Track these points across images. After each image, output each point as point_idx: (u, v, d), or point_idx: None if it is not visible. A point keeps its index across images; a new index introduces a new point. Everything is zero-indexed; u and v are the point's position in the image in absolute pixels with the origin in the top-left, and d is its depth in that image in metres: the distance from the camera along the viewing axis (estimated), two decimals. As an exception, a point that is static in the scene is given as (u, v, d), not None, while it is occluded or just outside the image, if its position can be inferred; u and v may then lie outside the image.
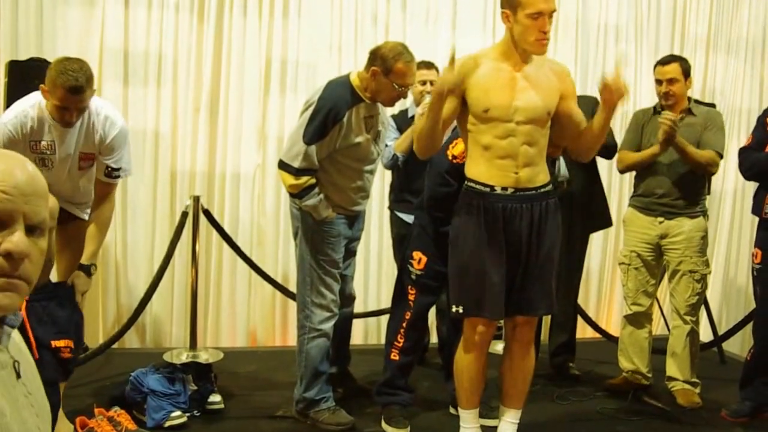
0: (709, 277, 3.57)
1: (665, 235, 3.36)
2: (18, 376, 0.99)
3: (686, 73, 3.35)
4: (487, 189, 2.55)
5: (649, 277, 3.44)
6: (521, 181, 2.54)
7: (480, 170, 2.57)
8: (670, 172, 3.33)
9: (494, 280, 2.55)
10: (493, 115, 2.51)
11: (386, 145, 3.47)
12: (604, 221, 3.82)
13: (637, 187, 3.49)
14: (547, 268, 2.62)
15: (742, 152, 3.22)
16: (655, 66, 3.43)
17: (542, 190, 2.60)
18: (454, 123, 2.76)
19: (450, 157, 2.91)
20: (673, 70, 3.31)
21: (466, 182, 2.63)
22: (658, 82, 3.37)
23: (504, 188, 2.54)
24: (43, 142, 2.66)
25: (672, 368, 3.42)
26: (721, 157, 3.34)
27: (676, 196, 3.33)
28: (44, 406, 1.06)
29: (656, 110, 3.43)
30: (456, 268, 2.65)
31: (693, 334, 3.38)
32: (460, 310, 2.62)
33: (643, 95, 4.70)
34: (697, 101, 3.51)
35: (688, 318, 3.36)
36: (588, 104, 3.68)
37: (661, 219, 3.37)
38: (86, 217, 2.90)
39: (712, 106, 3.62)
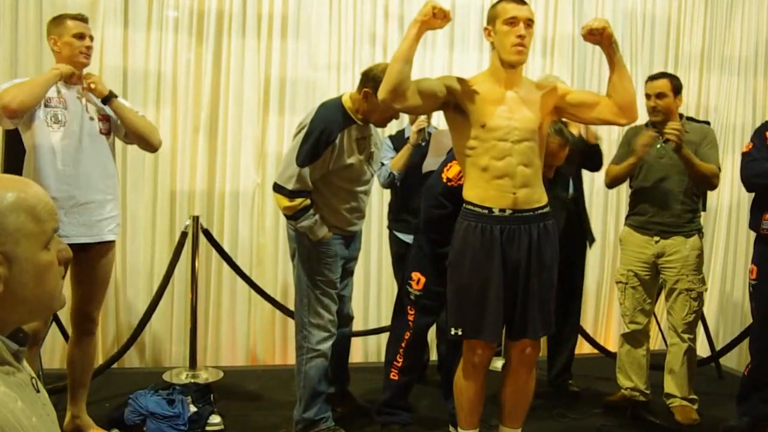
0: (706, 294, 3.58)
1: (661, 254, 3.39)
2: (37, 391, 1.07)
3: (676, 89, 3.36)
4: (485, 211, 2.57)
5: (645, 295, 3.46)
6: (519, 202, 2.56)
7: (478, 192, 2.59)
8: (664, 191, 3.36)
9: (493, 302, 2.56)
10: (489, 133, 2.53)
11: (382, 164, 3.50)
12: (592, 237, 3.86)
13: (633, 206, 3.51)
14: (547, 290, 2.63)
15: (746, 158, 3.20)
16: (646, 81, 3.45)
17: (540, 211, 2.61)
18: (450, 146, 2.78)
19: (444, 180, 2.94)
20: (663, 85, 3.34)
21: (464, 205, 2.64)
22: (647, 96, 3.38)
23: (502, 210, 2.56)
24: (54, 98, 2.73)
25: (670, 385, 3.43)
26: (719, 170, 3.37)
27: (671, 215, 3.36)
28: (53, 412, 1.13)
29: (647, 126, 3.44)
30: (455, 290, 2.66)
31: (690, 351, 3.39)
32: (459, 333, 2.63)
33: (639, 113, 4.73)
34: (689, 118, 3.52)
35: (685, 336, 3.38)
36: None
37: (657, 238, 3.39)
38: (109, 236, 2.85)
39: (707, 123, 3.65)
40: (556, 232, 2.67)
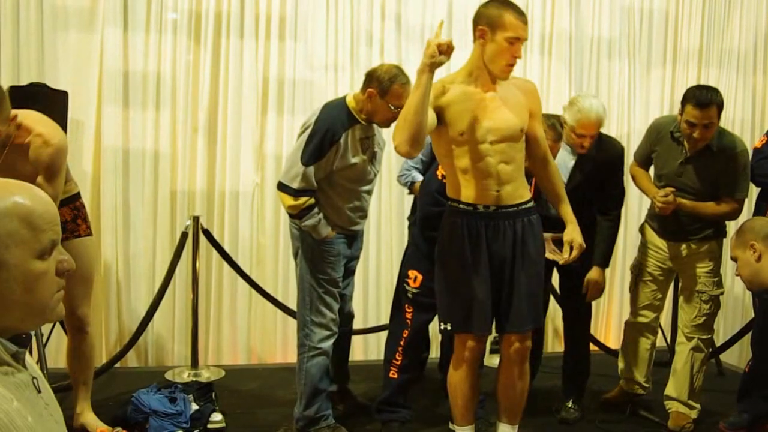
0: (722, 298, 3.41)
1: (676, 256, 3.27)
2: (38, 391, 1.08)
3: (721, 109, 2.97)
4: (470, 208, 2.59)
5: (656, 292, 3.37)
6: (502, 198, 2.58)
7: (461, 191, 2.61)
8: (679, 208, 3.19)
9: (480, 296, 2.59)
10: (467, 138, 2.54)
11: (410, 168, 3.46)
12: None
13: (651, 210, 3.37)
14: (534, 283, 2.65)
15: (757, 155, 3.12)
16: (687, 104, 2.98)
17: (523, 206, 2.64)
18: None
19: (440, 177, 2.95)
20: (714, 114, 2.94)
21: (448, 202, 2.67)
22: (690, 124, 2.97)
23: (486, 206, 2.58)
24: None
25: (670, 386, 3.35)
26: (742, 200, 3.13)
27: (687, 230, 3.22)
28: (59, 411, 1.15)
29: (673, 136, 3.17)
30: (442, 285, 2.69)
31: (696, 353, 3.27)
32: (449, 327, 2.67)
33: (637, 109, 4.74)
34: (722, 131, 3.13)
35: (691, 336, 3.28)
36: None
37: (672, 242, 3.27)
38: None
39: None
40: (540, 226, 2.69)
